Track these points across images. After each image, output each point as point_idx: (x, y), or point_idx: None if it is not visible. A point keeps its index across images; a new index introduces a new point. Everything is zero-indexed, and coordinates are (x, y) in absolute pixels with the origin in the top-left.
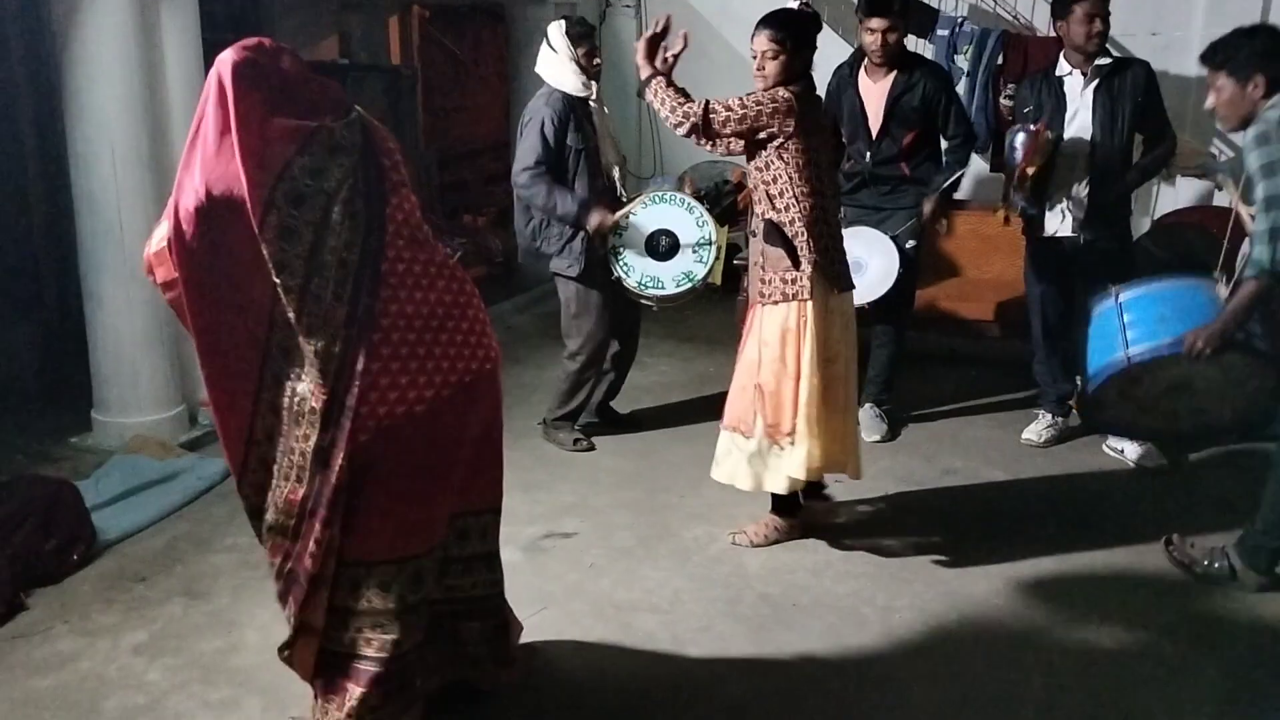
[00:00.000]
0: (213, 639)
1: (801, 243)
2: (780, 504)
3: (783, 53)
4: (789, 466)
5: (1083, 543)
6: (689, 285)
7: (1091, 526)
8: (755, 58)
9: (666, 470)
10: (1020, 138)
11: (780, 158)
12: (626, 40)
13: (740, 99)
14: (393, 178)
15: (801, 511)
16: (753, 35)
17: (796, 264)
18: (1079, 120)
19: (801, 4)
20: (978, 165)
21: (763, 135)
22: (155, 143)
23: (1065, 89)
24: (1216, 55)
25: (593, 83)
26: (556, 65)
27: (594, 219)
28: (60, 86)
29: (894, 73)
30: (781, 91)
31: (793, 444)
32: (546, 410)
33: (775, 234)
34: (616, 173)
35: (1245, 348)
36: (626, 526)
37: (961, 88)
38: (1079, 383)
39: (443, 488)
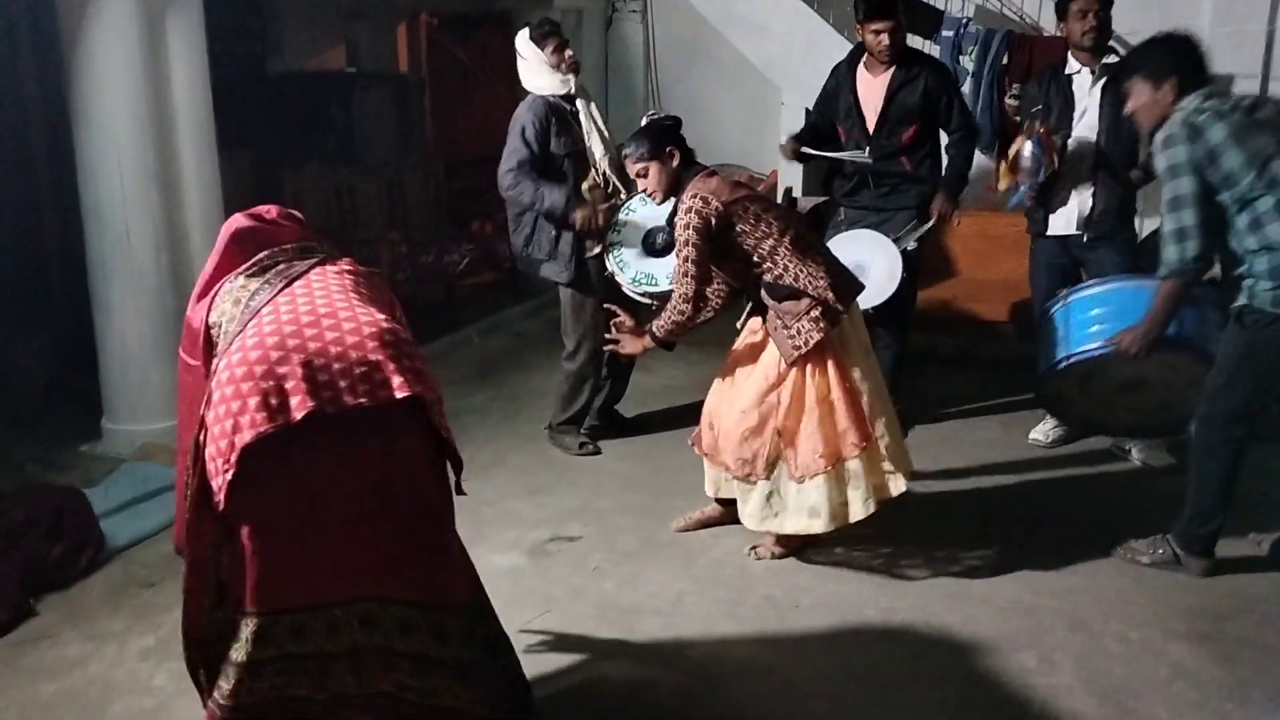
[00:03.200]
0: None
1: (805, 281)
2: None
3: (650, 161)
4: (894, 486)
5: (1087, 542)
6: None
7: (1097, 526)
8: (637, 182)
9: (671, 474)
10: (1034, 150)
11: (737, 239)
12: (634, 44)
13: (679, 253)
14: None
15: None
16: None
17: (816, 300)
18: (1087, 118)
19: (649, 115)
20: (984, 165)
21: (720, 241)
22: (162, 154)
23: (1074, 87)
24: (1132, 61)
25: (570, 77)
26: (532, 71)
27: (579, 213)
28: (68, 98)
29: (893, 68)
30: (684, 205)
31: (873, 452)
32: (551, 415)
33: (780, 290)
34: (605, 165)
35: (1182, 345)
36: (631, 530)
37: (967, 88)
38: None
39: (327, 541)
